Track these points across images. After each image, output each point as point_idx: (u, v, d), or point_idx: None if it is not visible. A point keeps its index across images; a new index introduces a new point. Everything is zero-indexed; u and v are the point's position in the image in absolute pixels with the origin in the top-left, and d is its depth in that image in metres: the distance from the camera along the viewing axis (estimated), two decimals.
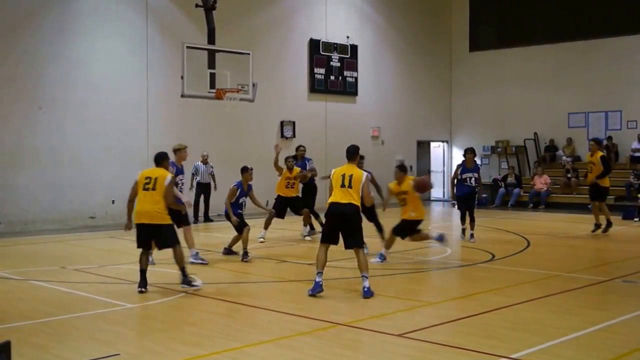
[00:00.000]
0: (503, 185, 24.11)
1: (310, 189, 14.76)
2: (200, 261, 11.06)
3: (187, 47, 14.94)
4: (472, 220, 13.84)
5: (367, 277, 8.44)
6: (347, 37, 23.40)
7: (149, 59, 18.36)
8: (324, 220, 9.30)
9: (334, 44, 22.95)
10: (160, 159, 9.26)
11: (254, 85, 15.74)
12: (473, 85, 26.88)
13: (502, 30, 26.54)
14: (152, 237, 8.88)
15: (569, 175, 21.95)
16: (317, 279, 8.28)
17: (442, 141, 27.67)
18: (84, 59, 17.29)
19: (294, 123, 21.71)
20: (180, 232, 10.65)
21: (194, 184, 17.91)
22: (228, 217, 11.55)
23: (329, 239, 8.61)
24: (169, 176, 8.95)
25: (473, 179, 13.74)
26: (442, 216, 22.33)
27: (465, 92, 27.15)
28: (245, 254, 11.29)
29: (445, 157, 27.63)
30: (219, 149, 19.25)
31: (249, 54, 15.94)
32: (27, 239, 14.80)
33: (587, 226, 15.31)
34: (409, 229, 11.15)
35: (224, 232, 15.81)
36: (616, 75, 23.64)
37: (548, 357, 6.05)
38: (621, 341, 6.54)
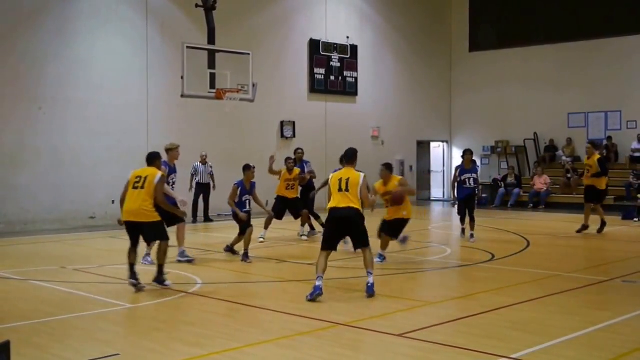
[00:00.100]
0: (503, 186, 24.11)
1: (309, 190, 14.77)
2: (186, 258, 11.11)
3: (187, 47, 14.94)
4: (472, 221, 13.91)
5: (372, 274, 8.45)
6: (347, 37, 23.40)
7: (149, 59, 18.36)
8: (324, 221, 9.30)
9: (334, 44, 22.95)
10: (152, 159, 9.30)
11: (254, 85, 15.75)
12: (473, 85, 26.88)
13: (502, 30, 26.54)
14: (139, 233, 8.96)
15: (569, 176, 21.95)
16: (317, 283, 8.21)
17: (442, 141, 27.67)
18: (85, 59, 17.30)
19: (294, 123, 21.71)
20: (174, 229, 10.71)
21: (194, 184, 17.91)
22: (235, 217, 11.49)
23: (330, 245, 8.57)
24: (158, 174, 8.97)
25: (472, 179, 13.85)
26: (442, 216, 22.35)
27: (465, 92, 27.15)
28: (246, 254, 11.27)
29: (445, 157, 27.63)
30: (219, 149, 19.26)
31: (249, 54, 15.94)
32: (27, 239, 14.80)
33: (590, 226, 15.30)
34: (400, 228, 11.10)
35: (224, 232, 15.82)
36: (616, 75, 23.64)
37: (548, 357, 6.05)
38: (621, 341, 6.54)
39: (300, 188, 14.61)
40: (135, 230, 8.94)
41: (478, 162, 24.95)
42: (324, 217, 12.63)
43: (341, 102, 23.27)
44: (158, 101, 18.46)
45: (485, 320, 7.36)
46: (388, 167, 11.02)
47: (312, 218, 14.48)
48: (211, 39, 15.71)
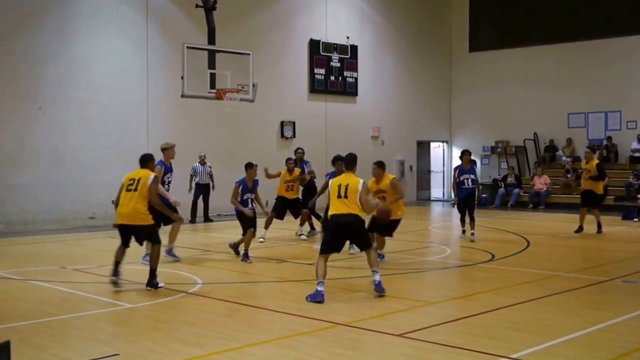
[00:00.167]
0: (503, 186, 24.10)
1: (310, 190, 14.76)
2: (173, 257, 11.13)
3: (188, 47, 14.94)
4: (472, 220, 14.02)
5: (377, 272, 8.45)
6: (347, 37, 23.40)
7: (150, 59, 18.36)
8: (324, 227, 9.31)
9: (334, 44, 22.95)
10: (145, 161, 9.32)
11: (254, 85, 15.74)
12: (473, 85, 26.88)
13: (502, 30, 26.53)
14: (132, 234, 9.01)
15: (569, 176, 21.95)
16: (320, 289, 8.17)
17: (442, 141, 27.67)
18: (85, 58, 17.30)
19: (294, 123, 21.71)
20: (167, 228, 10.72)
21: (193, 185, 17.90)
22: (239, 216, 11.46)
23: (329, 249, 8.58)
24: (151, 176, 8.99)
25: (470, 180, 13.97)
26: (442, 216, 22.35)
27: (465, 92, 27.15)
28: (246, 255, 11.26)
29: (445, 157, 27.62)
30: (219, 149, 19.26)
31: (249, 54, 15.94)
32: (27, 239, 14.80)
33: (587, 226, 15.33)
34: (394, 227, 11.07)
35: (224, 232, 15.83)
36: (616, 75, 23.64)
37: (548, 357, 6.05)
38: (621, 341, 6.54)
39: (301, 188, 14.62)
40: (128, 233, 8.98)
41: (478, 162, 25.06)
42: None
43: (341, 102, 23.27)
44: (158, 101, 18.46)
45: (485, 320, 7.36)
46: (380, 165, 10.88)
47: (312, 218, 14.50)
48: (211, 39, 15.71)
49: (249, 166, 11.56)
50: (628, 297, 8.73)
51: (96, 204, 17.23)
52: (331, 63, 22.84)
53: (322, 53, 22.59)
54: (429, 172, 27.40)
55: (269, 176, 14.02)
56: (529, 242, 13.86)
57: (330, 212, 8.59)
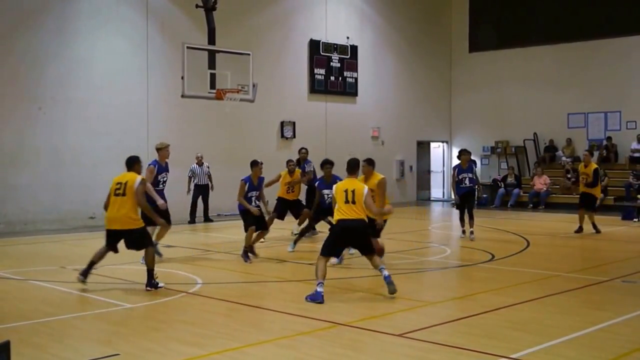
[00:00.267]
0: (503, 186, 24.10)
1: (313, 190, 14.72)
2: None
3: (188, 47, 14.93)
4: (471, 218, 14.18)
5: (384, 268, 8.45)
6: (347, 37, 23.39)
7: (150, 59, 18.36)
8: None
9: (334, 44, 22.95)
10: (132, 163, 9.31)
11: (254, 85, 15.74)
12: (473, 85, 26.88)
13: (502, 30, 26.52)
14: (121, 239, 8.99)
15: (569, 176, 21.96)
16: (319, 289, 8.17)
17: (442, 141, 27.67)
18: (85, 58, 17.29)
19: (294, 123, 21.71)
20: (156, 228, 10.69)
21: (191, 187, 17.87)
22: (243, 214, 11.42)
23: (331, 252, 8.61)
24: (138, 179, 8.98)
25: (467, 179, 14.17)
26: (442, 216, 22.34)
27: (465, 92, 27.15)
28: (245, 254, 11.26)
29: (445, 157, 27.62)
30: (219, 149, 19.26)
31: (249, 54, 15.94)
32: (27, 239, 14.80)
33: (587, 226, 15.34)
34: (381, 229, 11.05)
35: (224, 232, 15.84)
36: (616, 75, 23.64)
37: (548, 357, 6.05)
38: (621, 341, 6.54)
39: (305, 187, 14.59)
40: (117, 238, 8.97)
41: (478, 163, 25.06)
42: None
43: (341, 102, 23.27)
44: (158, 101, 18.45)
45: (485, 320, 7.36)
46: (370, 163, 10.53)
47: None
48: (211, 39, 15.70)
49: (255, 164, 11.58)
50: (628, 297, 8.74)
51: (96, 204, 17.06)
52: (331, 63, 22.84)
53: (322, 53, 22.59)
54: (428, 172, 27.40)
55: (267, 185, 13.97)
56: (528, 242, 13.86)
57: (337, 217, 8.61)
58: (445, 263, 11.58)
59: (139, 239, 8.99)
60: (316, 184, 12.48)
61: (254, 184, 11.46)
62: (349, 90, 23.42)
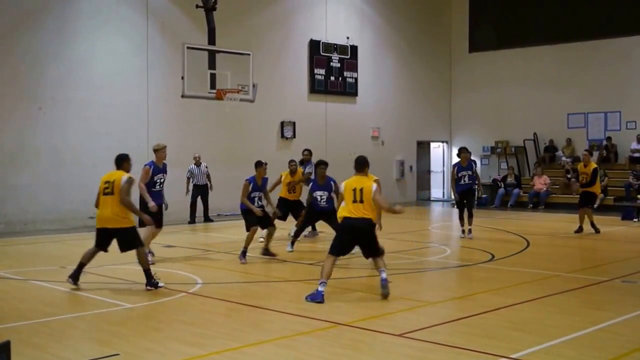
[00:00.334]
0: (502, 186, 24.11)
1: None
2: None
3: (188, 47, 14.94)
4: (470, 216, 14.28)
5: (384, 271, 8.44)
6: (347, 37, 23.39)
7: (150, 59, 18.36)
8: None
9: (334, 44, 22.95)
10: (120, 161, 9.33)
11: (254, 85, 15.74)
12: (473, 85, 26.88)
13: (502, 30, 26.51)
14: (112, 238, 9.00)
15: (569, 176, 21.96)
16: (321, 289, 8.17)
17: (442, 141, 27.67)
18: (85, 58, 17.29)
19: (294, 123, 21.71)
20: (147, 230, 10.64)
21: (190, 187, 17.84)
22: (245, 214, 11.41)
23: (339, 251, 8.59)
24: (125, 177, 8.99)
25: (467, 176, 14.26)
26: (441, 216, 22.35)
27: (465, 92, 27.15)
28: (244, 253, 11.24)
29: (445, 157, 27.62)
30: (219, 149, 19.25)
31: (249, 54, 15.94)
32: (27, 239, 14.80)
33: (586, 226, 15.35)
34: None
35: (224, 232, 15.84)
36: (616, 75, 23.63)
37: (548, 357, 6.05)
38: (621, 341, 6.54)
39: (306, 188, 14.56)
40: (107, 237, 8.98)
41: (478, 163, 25.05)
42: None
43: (341, 102, 23.27)
44: (158, 101, 18.45)
45: (485, 320, 7.36)
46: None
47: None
48: (211, 39, 15.71)
49: (259, 164, 11.56)
50: (628, 297, 8.73)
51: None
52: (331, 63, 22.84)
53: (322, 53, 22.59)
54: (428, 172, 27.41)
55: (270, 190, 13.93)
56: (528, 242, 13.86)
57: (343, 214, 8.59)
58: (445, 263, 11.58)
59: (129, 239, 8.98)
60: (309, 185, 12.46)
61: (257, 185, 11.43)
62: (349, 91, 23.42)
